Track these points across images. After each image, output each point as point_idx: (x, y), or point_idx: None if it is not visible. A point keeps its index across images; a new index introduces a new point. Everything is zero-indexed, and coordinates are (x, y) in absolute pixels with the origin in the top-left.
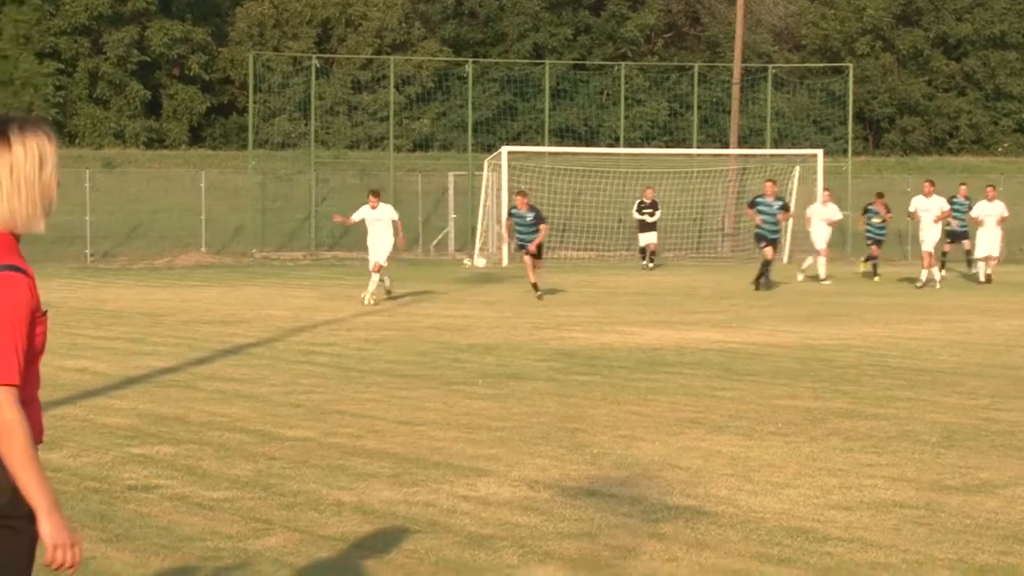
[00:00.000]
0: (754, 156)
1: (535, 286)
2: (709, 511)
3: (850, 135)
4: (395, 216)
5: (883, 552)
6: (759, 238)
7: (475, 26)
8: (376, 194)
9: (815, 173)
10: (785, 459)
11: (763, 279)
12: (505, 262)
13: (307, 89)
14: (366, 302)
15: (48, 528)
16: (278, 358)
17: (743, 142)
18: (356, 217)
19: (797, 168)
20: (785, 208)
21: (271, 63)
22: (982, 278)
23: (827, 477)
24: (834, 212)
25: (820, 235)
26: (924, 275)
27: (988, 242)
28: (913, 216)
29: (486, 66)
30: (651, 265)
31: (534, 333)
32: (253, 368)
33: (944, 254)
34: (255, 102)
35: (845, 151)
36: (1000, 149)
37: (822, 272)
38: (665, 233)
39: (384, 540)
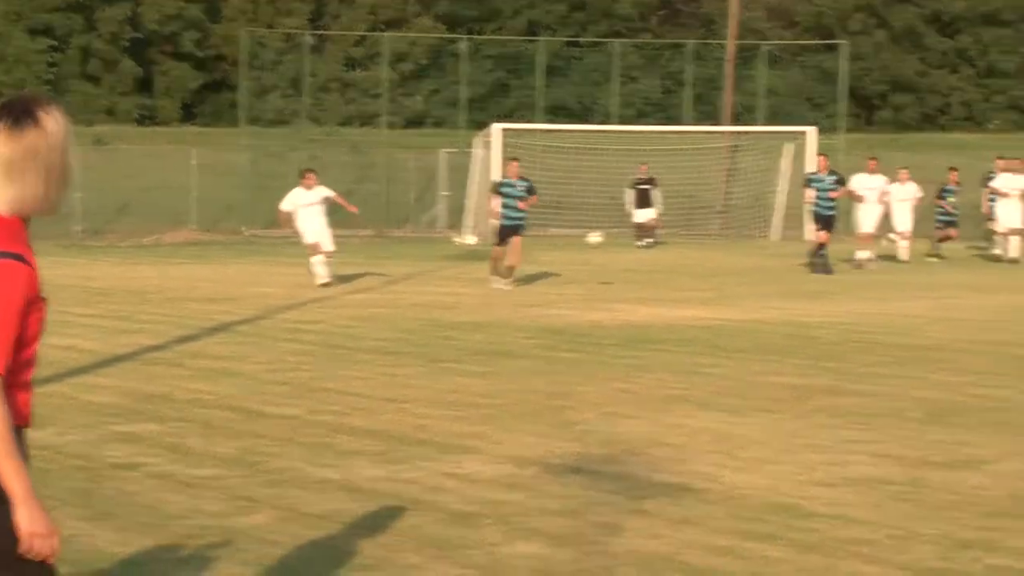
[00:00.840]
0: (747, 133)
1: (510, 269)
2: (694, 488)
3: (843, 112)
4: (330, 193)
5: (867, 528)
6: (815, 218)
7: (469, 3)
8: (313, 173)
9: (806, 150)
10: (770, 436)
11: (818, 263)
12: (484, 240)
13: (300, 66)
14: (321, 282)
15: (24, 516)
16: (265, 336)
17: (736, 119)
18: (288, 206)
19: (788, 146)
20: (841, 183)
21: (264, 40)
22: (1014, 254)
23: (811, 454)
24: (914, 190)
25: (902, 217)
26: (861, 255)
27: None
28: (852, 195)
29: (480, 43)
30: (644, 244)
31: (522, 311)
32: (239, 346)
33: (941, 241)
34: (248, 79)
35: (838, 128)
36: (991, 126)
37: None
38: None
39: (369, 518)
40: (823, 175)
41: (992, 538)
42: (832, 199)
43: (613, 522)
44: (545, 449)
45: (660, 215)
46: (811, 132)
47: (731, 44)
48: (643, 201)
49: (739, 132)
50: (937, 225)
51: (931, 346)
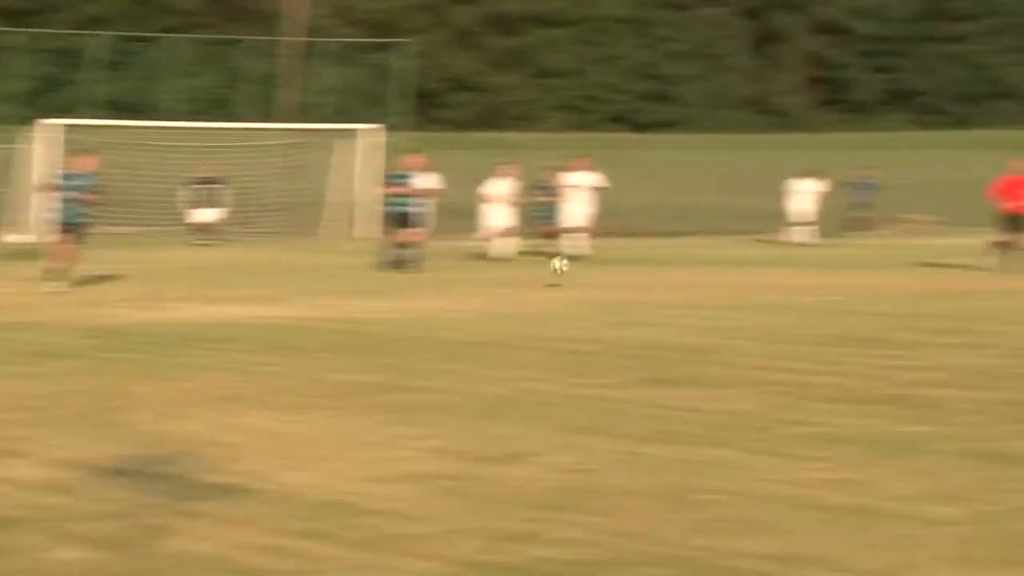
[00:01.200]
0: (308, 130)
1: (62, 271)
2: (246, 488)
3: (405, 110)
4: None
5: (417, 523)
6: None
7: None
8: None
9: (374, 148)
10: (325, 433)
11: (393, 259)
12: (36, 238)
13: None
14: None
15: None
16: None
17: (299, 116)
18: None
19: (350, 143)
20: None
21: None
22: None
23: (366, 451)
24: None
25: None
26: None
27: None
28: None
29: (34, 36)
30: (199, 242)
31: (71, 310)
32: None
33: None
34: None
35: (400, 126)
36: (546, 125)
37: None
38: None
39: None
40: (408, 172)
41: (536, 530)
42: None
43: (162, 524)
44: (93, 452)
45: (228, 214)
46: (375, 130)
47: (291, 41)
48: (205, 200)
49: (299, 129)
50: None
51: (483, 341)
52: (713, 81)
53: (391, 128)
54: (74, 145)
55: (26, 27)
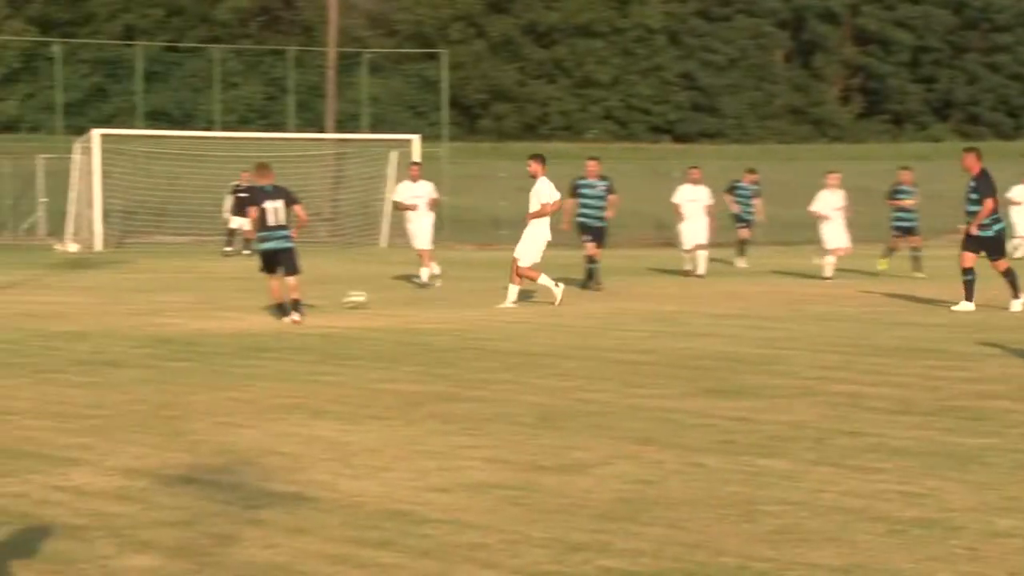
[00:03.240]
0: (351, 140)
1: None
2: (309, 496)
3: (445, 120)
4: None
5: (480, 533)
6: (581, 229)
7: (63, 6)
8: None
9: (410, 158)
10: (384, 443)
11: (591, 280)
12: (99, 247)
13: None
14: None
15: None
16: None
17: (340, 126)
18: None
19: (394, 154)
20: (611, 191)
21: None
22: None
23: (426, 460)
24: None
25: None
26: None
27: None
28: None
29: (76, 47)
30: (231, 250)
31: (130, 320)
32: None
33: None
34: None
35: (440, 136)
36: (589, 135)
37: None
38: None
39: None
40: (594, 180)
41: (602, 540)
42: (603, 208)
43: (228, 532)
44: (157, 460)
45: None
46: (415, 140)
47: (332, 51)
48: (241, 208)
49: (343, 139)
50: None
51: (540, 352)
52: (754, 91)
53: (433, 138)
54: (121, 156)
55: (65, 37)
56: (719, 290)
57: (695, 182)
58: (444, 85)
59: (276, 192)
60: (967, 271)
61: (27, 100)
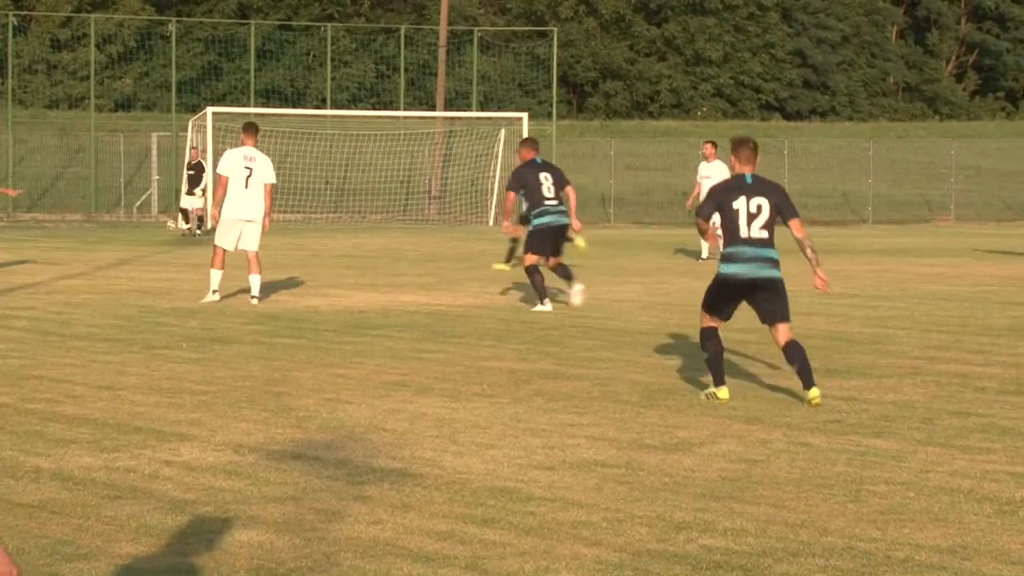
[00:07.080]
0: (460, 119)
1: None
2: (414, 473)
3: (555, 98)
4: None
5: (584, 511)
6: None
7: None
8: None
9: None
10: (490, 420)
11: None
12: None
13: (3, 47)
14: None
15: None
16: None
17: (449, 105)
18: None
19: (503, 131)
20: None
21: None
22: None
23: (531, 437)
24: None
25: None
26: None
27: None
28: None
29: (190, 25)
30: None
31: (239, 296)
32: None
33: None
34: None
35: (550, 114)
36: (699, 113)
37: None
38: (372, 196)
39: (84, 507)
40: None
41: (706, 519)
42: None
43: (334, 508)
44: (265, 436)
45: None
46: (524, 118)
47: (443, 30)
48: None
49: (453, 118)
50: None
51: (643, 330)
52: (867, 68)
53: (542, 116)
54: (233, 134)
55: (180, 16)
56: (826, 269)
57: (709, 158)
58: (554, 63)
59: (545, 166)
60: None
61: (142, 79)
